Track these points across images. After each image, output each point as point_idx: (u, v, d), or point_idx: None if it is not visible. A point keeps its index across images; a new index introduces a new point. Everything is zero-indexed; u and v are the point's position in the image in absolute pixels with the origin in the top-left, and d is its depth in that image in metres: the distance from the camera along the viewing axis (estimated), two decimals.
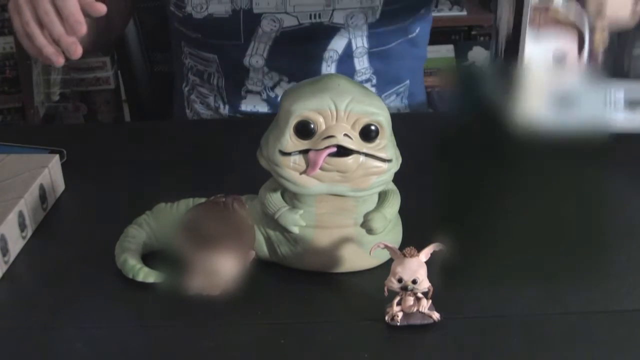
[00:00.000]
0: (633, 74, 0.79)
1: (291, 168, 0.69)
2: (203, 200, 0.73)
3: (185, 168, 0.93)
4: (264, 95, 1.13)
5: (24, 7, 0.81)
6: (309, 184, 0.69)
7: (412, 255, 0.65)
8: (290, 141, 0.68)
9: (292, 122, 0.68)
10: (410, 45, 1.16)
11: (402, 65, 1.18)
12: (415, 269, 0.64)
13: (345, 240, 0.72)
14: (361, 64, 1.12)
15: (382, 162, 0.69)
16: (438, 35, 2.12)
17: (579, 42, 0.65)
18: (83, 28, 0.79)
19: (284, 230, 0.72)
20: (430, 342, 0.65)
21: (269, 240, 0.73)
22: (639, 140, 0.74)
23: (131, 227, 0.76)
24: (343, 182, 0.69)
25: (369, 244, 0.69)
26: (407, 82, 1.20)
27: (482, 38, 2.37)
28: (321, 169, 0.68)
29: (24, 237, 0.79)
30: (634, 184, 0.86)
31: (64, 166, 0.90)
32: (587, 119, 0.66)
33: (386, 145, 0.69)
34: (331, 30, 1.08)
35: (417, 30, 1.16)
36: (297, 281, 0.72)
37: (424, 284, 0.65)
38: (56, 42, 0.80)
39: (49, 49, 0.81)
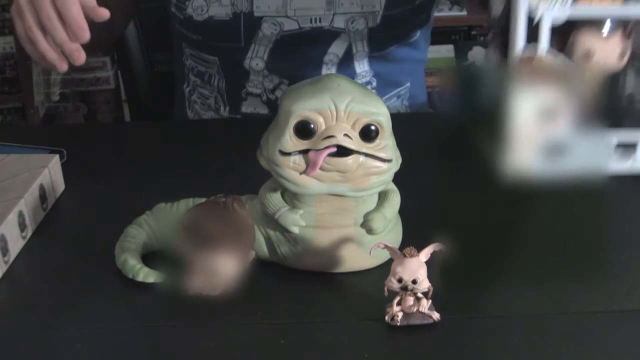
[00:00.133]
0: (624, 117, 0.79)
1: (291, 168, 0.69)
2: (203, 200, 0.73)
3: (185, 168, 0.93)
4: (264, 98, 1.13)
5: (27, 12, 0.79)
6: (309, 184, 0.69)
7: (412, 255, 0.65)
8: (290, 141, 0.68)
9: (292, 122, 0.68)
10: (411, 48, 1.16)
11: (403, 69, 1.17)
12: (415, 269, 0.64)
13: (345, 240, 0.72)
14: (361, 67, 1.12)
15: (382, 162, 0.69)
16: (438, 35, 2.12)
17: (568, 92, 0.64)
18: (86, 35, 0.78)
19: (284, 230, 0.72)
20: (430, 342, 0.65)
21: (269, 240, 0.73)
22: None
23: (131, 227, 0.76)
24: (343, 182, 0.69)
25: (369, 244, 0.69)
26: (408, 84, 1.20)
27: (482, 38, 2.37)
28: (321, 169, 0.68)
29: (24, 237, 0.79)
30: (634, 184, 0.86)
31: (64, 166, 0.90)
32: (579, 167, 0.66)
33: (386, 145, 0.69)
34: (332, 35, 1.08)
35: (417, 34, 1.16)
36: (297, 281, 0.72)
37: (424, 284, 0.65)
38: (59, 47, 0.80)
39: (52, 55, 0.80)
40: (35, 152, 0.92)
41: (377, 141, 0.69)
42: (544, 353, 0.63)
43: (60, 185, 0.89)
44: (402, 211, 0.74)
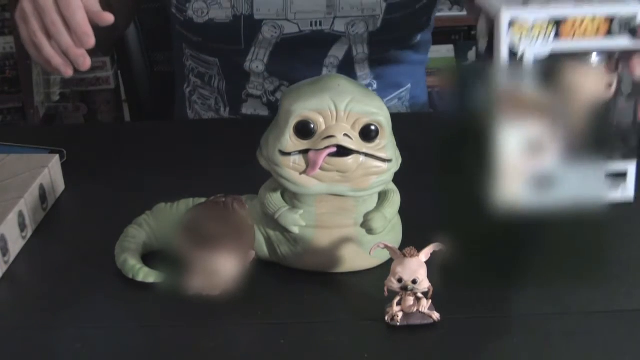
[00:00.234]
0: (613, 147, 0.79)
1: (291, 168, 0.69)
2: (203, 200, 0.73)
3: (185, 168, 0.93)
4: (265, 100, 1.13)
5: (31, 17, 0.79)
6: (309, 184, 0.69)
7: (412, 255, 0.65)
8: (290, 141, 0.68)
9: (292, 122, 0.68)
10: (411, 51, 1.16)
11: (404, 71, 1.17)
12: (415, 269, 0.64)
13: (345, 240, 0.72)
14: (362, 69, 1.12)
15: (382, 162, 0.69)
16: (438, 35, 2.11)
17: (554, 124, 0.64)
18: (91, 40, 0.77)
19: (284, 230, 0.72)
20: (430, 342, 0.65)
21: (269, 240, 0.73)
22: None
23: (131, 227, 0.76)
24: (343, 182, 0.69)
25: (369, 244, 0.69)
26: (409, 86, 1.19)
27: None
28: (321, 169, 0.68)
29: (24, 237, 0.79)
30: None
31: (64, 166, 0.90)
32: (569, 198, 0.66)
33: (386, 145, 0.69)
34: (332, 38, 1.07)
35: (418, 37, 1.15)
36: (297, 281, 0.72)
37: (424, 284, 0.65)
38: (64, 53, 0.79)
39: (57, 60, 0.79)
40: (35, 152, 0.92)
41: (377, 141, 0.69)
42: (544, 353, 0.63)
43: (60, 185, 0.89)
44: (402, 211, 0.74)
